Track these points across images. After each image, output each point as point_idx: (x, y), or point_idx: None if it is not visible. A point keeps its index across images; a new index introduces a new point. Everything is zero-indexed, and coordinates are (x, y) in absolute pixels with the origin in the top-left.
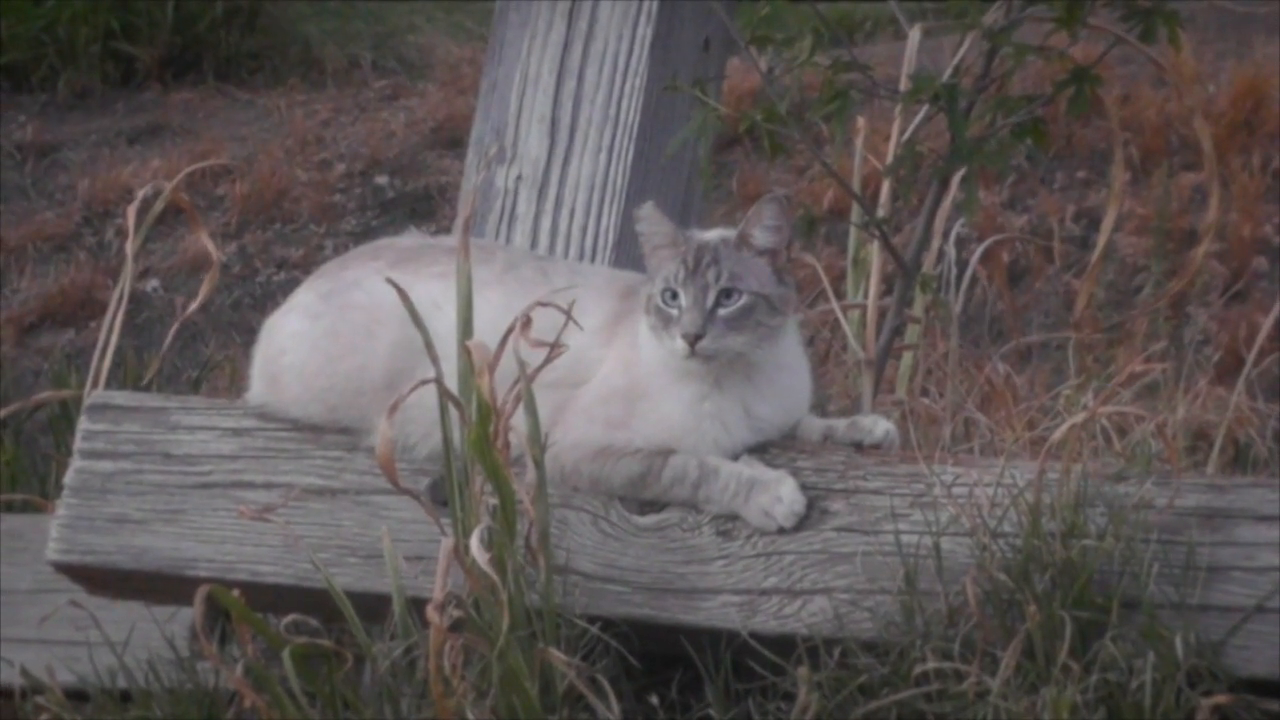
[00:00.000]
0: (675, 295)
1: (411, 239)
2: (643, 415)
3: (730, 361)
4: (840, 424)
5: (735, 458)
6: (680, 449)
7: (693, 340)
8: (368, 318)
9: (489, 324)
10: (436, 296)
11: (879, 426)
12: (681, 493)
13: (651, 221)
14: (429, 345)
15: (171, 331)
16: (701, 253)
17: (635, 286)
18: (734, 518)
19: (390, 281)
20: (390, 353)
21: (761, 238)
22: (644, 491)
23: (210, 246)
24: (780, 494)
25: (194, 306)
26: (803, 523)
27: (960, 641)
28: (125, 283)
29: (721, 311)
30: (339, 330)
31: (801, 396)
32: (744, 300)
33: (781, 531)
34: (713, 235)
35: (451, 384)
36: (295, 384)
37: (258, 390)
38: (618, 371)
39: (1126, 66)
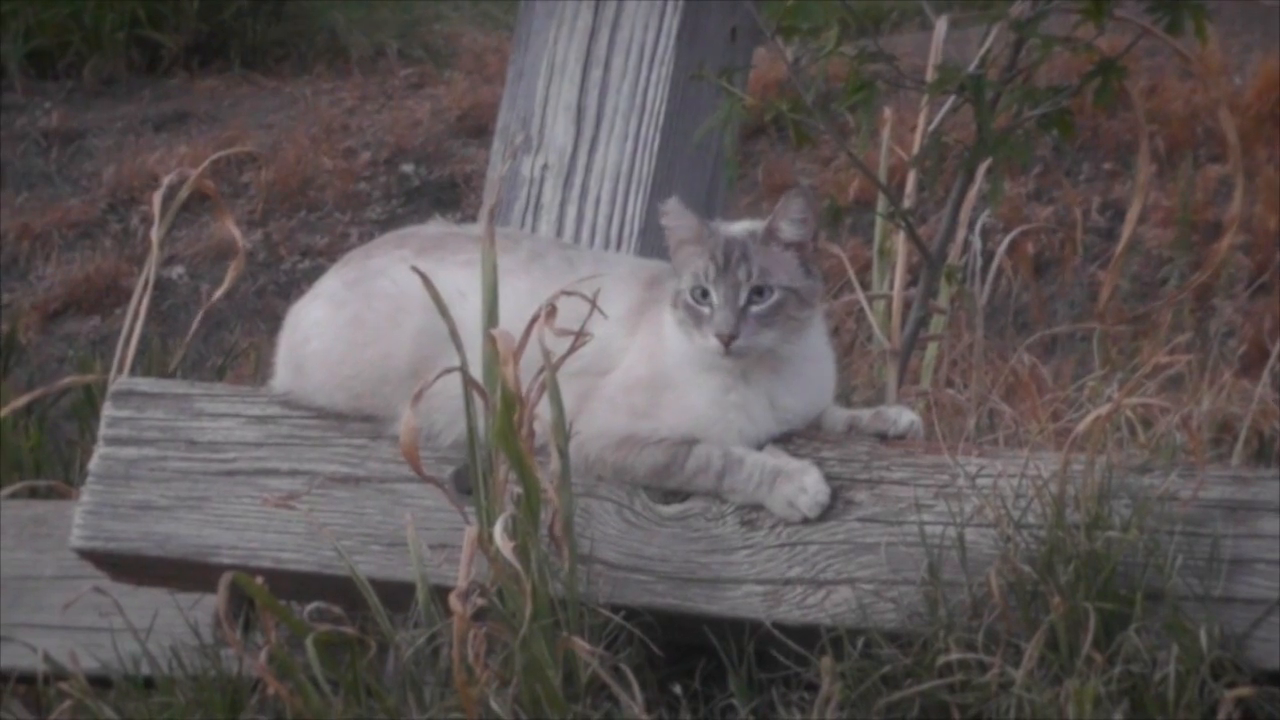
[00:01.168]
0: (706, 293)
1: (437, 227)
2: (667, 405)
3: (759, 355)
4: (865, 414)
5: (759, 448)
6: (704, 439)
7: (727, 340)
8: (393, 306)
9: (514, 312)
10: (462, 285)
11: (903, 417)
12: (706, 482)
13: (676, 215)
14: (454, 334)
15: (197, 319)
16: (730, 249)
17: (660, 275)
18: (758, 508)
19: (415, 270)
20: (415, 341)
21: (789, 231)
22: (668, 481)
23: (235, 234)
24: (804, 484)
25: (219, 294)
26: (827, 513)
27: (984, 632)
28: (150, 270)
29: (754, 309)
30: (364, 318)
31: (826, 387)
32: (775, 297)
33: (805, 522)
34: (739, 229)
35: (476, 373)
36: (320, 371)
37: (282, 378)
38: (642, 361)
39: (1153, 58)
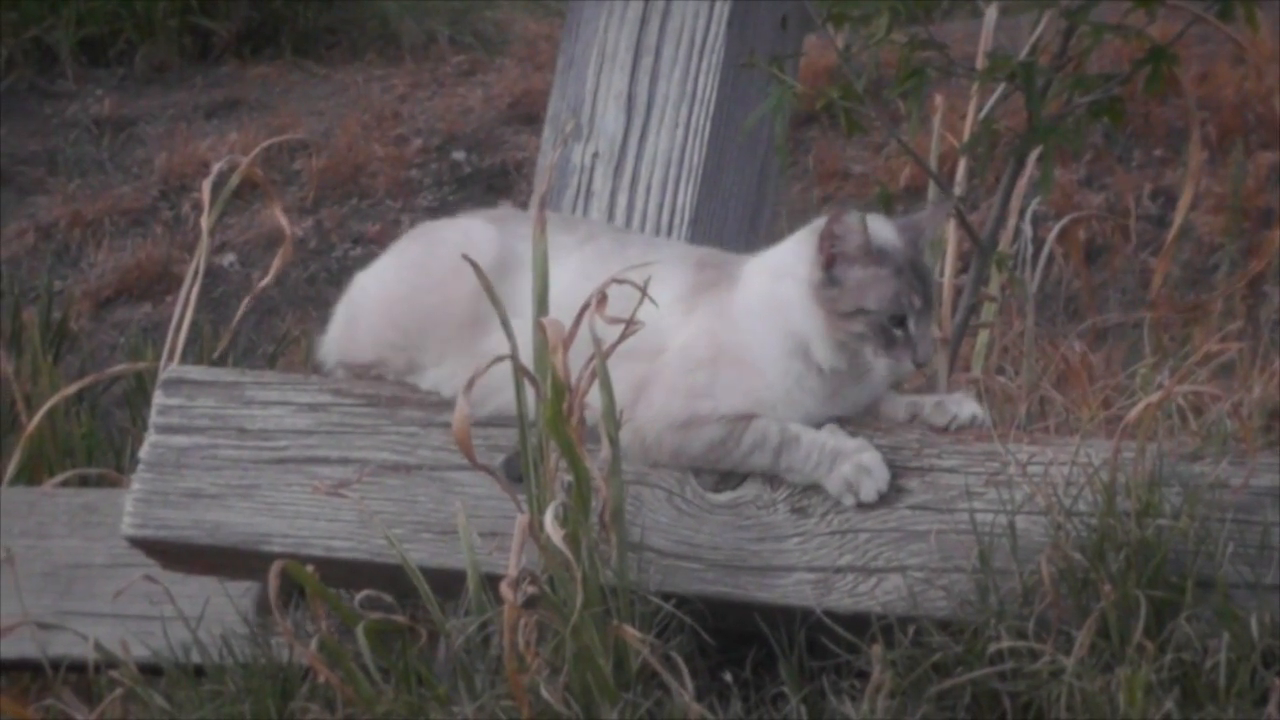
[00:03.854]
0: (903, 321)
1: (505, 210)
2: (729, 385)
3: None
4: (927, 402)
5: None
6: (764, 416)
7: (924, 364)
8: (458, 257)
9: (565, 291)
10: (524, 256)
11: (965, 409)
12: (762, 460)
13: (856, 233)
14: (505, 323)
15: (243, 305)
16: (928, 283)
17: (708, 260)
18: (808, 494)
19: (466, 258)
20: (473, 298)
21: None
22: (724, 458)
23: (284, 222)
24: (865, 463)
25: (266, 281)
26: (879, 499)
27: (1035, 620)
28: (200, 257)
29: None
30: (428, 265)
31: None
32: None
33: (860, 507)
34: (925, 258)
35: (529, 351)
36: (374, 314)
37: (331, 337)
38: (701, 342)
39: (1204, 45)
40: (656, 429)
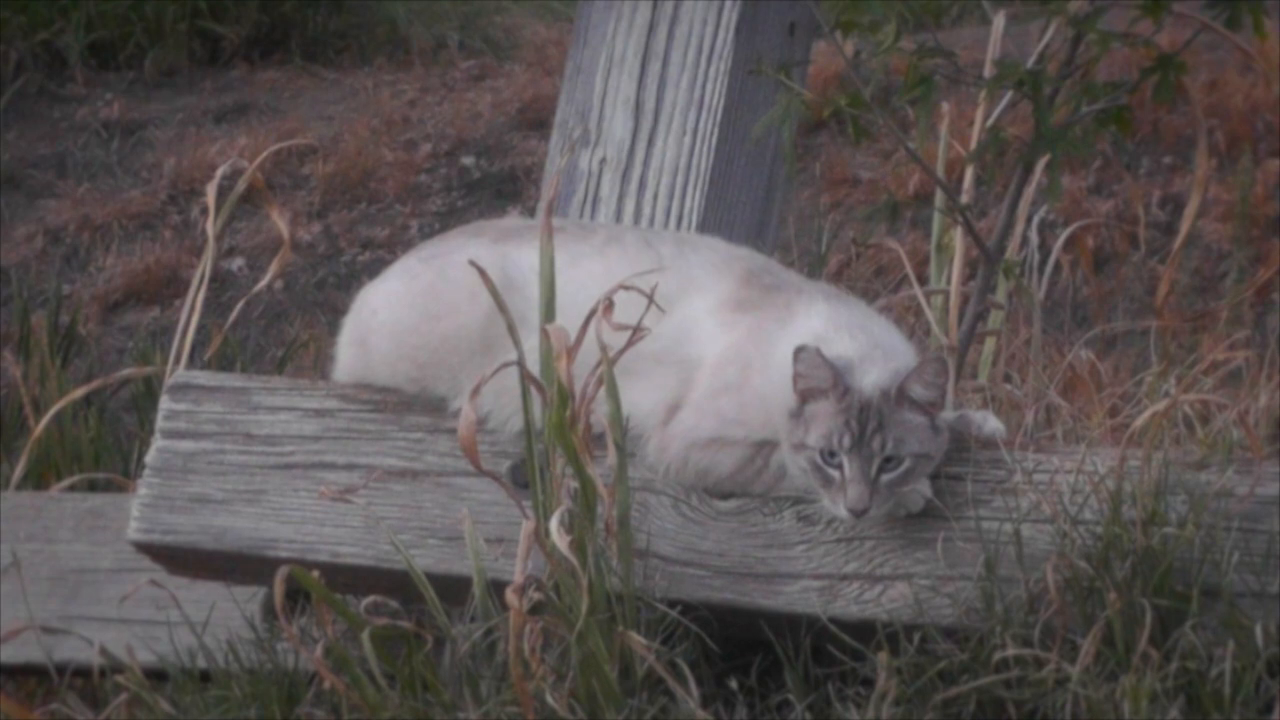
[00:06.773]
0: (835, 456)
1: (512, 220)
2: (758, 418)
3: None
4: (948, 416)
5: None
6: None
7: (859, 514)
8: (471, 280)
9: (588, 295)
10: (527, 275)
11: (988, 424)
12: (796, 482)
13: (812, 365)
14: (512, 328)
15: (237, 307)
16: (866, 417)
17: (755, 271)
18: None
19: (473, 264)
20: (489, 317)
21: (922, 394)
22: (755, 479)
23: (281, 226)
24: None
25: (261, 285)
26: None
27: (1040, 628)
28: (206, 262)
29: (884, 477)
30: (439, 289)
31: None
32: (906, 465)
33: (907, 516)
34: (873, 388)
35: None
36: (386, 342)
37: (343, 360)
38: (733, 363)
39: (1213, 53)
40: (683, 445)
